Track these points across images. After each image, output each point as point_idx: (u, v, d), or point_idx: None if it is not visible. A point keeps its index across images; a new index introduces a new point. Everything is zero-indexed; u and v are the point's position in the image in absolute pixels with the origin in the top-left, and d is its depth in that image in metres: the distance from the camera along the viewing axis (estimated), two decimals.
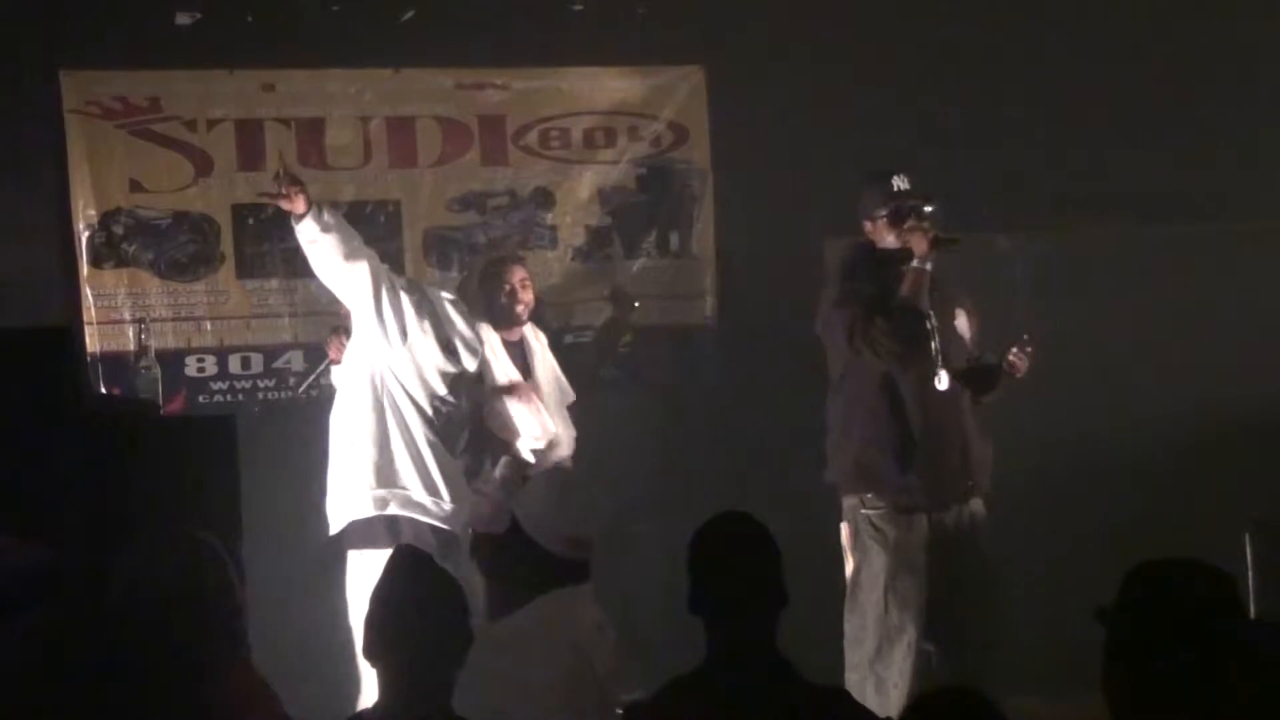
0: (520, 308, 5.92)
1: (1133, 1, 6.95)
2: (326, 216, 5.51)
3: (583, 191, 6.96)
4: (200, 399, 6.48)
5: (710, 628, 3.52)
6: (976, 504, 5.33)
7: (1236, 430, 6.38)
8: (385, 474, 5.52)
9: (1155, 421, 6.37)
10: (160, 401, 5.55)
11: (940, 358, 5.18)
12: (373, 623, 3.53)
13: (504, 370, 5.91)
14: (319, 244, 5.50)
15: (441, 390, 5.62)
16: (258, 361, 6.56)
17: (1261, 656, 2.82)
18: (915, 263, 5.16)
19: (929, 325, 5.16)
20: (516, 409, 5.88)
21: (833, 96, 6.70)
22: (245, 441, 4.42)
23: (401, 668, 3.46)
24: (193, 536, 3.56)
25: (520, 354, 5.97)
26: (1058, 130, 6.88)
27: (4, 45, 6.14)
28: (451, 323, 5.66)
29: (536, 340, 6.04)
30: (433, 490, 5.53)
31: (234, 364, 6.53)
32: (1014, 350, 5.22)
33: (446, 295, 5.78)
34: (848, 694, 3.66)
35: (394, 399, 5.55)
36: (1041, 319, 6.37)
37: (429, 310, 5.63)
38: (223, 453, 4.32)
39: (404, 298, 5.58)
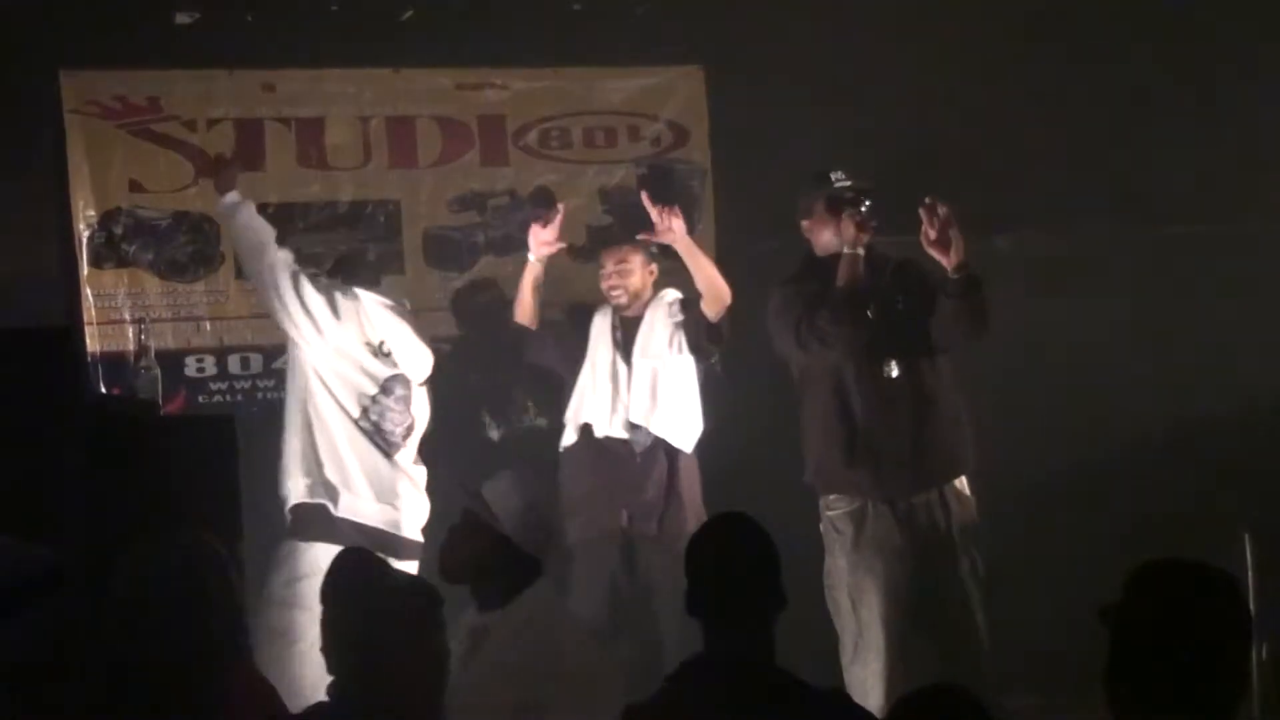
0: (614, 292, 6.00)
1: (1133, 1, 6.94)
2: (244, 207, 5.74)
3: (583, 192, 6.96)
4: (200, 399, 6.47)
5: (708, 629, 3.52)
6: (953, 490, 5.28)
7: (1236, 430, 6.38)
8: (309, 463, 5.65)
9: (1155, 421, 6.37)
10: (160, 401, 5.55)
11: (889, 346, 5.20)
12: (323, 624, 3.54)
13: (595, 347, 5.98)
14: (229, 222, 5.81)
15: (371, 390, 5.68)
16: (257, 361, 6.55)
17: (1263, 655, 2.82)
18: (847, 249, 5.20)
19: (871, 313, 5.19)
20: (581, 385, 5.95)
21: (833, 96, 6.70)
22: (245, 441, 4.42)
23: (353, 669, 3.45)
24: (193, 536, 3.56)
25: (621, 331, 6.01)
26: (1057, 130, 6.87)
27: (4, 45, 6.14)
28: (375, 326, 5.76)
29: (645, 319, 6.01)
30: (351, 486, 5.61)
31: (233, 364, 6.52)
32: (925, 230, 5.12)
33: (379, 299, 5.85)
34: (846, 695, 3.66)
35: (317, 394, 5.63)
36: (1041, 319, 6.38)
37: (352, 311, 5.73)
38: (223, 453, 4.32)
39: (314, 295, 5.69)
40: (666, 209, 5.86)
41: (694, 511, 5.89)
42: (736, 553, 3.55)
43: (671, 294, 6.08)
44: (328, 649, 3.53)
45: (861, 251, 5.21)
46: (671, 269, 6.13)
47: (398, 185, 6.78)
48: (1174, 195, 6.84)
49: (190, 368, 6.48)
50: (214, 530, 3.68)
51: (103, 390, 6.09)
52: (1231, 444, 6.39)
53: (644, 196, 6.04)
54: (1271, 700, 2.79)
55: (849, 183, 5.32)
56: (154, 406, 5.11)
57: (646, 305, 6.02)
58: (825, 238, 5.34)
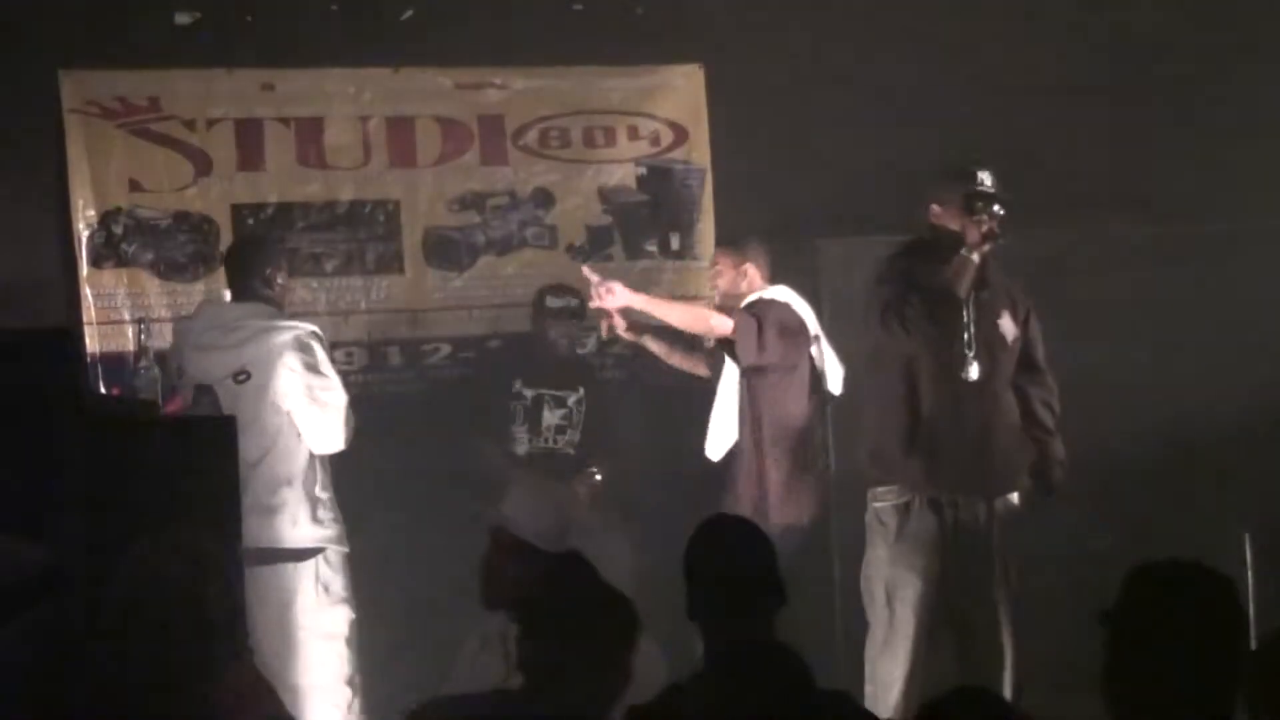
0: (712, 290, 6.16)
1: (1133, 1, 6.95)
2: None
3: (583, 191, 6.96)
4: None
5: (707, 630, 3.52)
6: (1006, 502, 5.27)
7: (1236, 431, 6.37)
8: None
9: (1155, 422, 6.37)
10: (160, 401, 5.55)
11: (974, 349, 5.18)
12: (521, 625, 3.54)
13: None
14: None
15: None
16: None
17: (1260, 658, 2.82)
18: (964, 251, 5.18)
19: (965, 315, 5.18)
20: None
21: (832, 96, 6.70)
22: None
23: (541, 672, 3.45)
24: (192, 537, 3.56)
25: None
26: (1058, 130, 6.87)
27: (4, 45, 6.14)
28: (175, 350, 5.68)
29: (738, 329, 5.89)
30: None
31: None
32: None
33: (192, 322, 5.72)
34: (848, 695, 3.65)
35: None
36: (1040, 319, 6.37)
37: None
38: (223, 453, 4.32)
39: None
40: (602, 283, 5.82)
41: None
42: (733, 553, 3.54)
43: (756, 296, 5.94)
44: (522, 648, 3.51)
45: (977, 258, 5.17)
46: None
47: (397, 185, 6.77)
48: (1174, 195, 6.83)
49: None
50: (214, 530, 3.68)
51: (103, 390, 6.09)
52: (1231, 444, 6.39)
53: (585, 270, 5.99)
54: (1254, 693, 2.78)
55: (991, 187, 5.24)
56: (154, 406, 5.11)
57: None
58: (951, 229, 5.26)
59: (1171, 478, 6.38)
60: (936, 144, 6.49)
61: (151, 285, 6.45)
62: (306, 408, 5.49)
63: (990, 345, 5.24)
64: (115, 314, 6.39)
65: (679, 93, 7.04)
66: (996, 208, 5.18)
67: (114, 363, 6.29)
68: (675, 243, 7.04)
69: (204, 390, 5.47)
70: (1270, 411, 6.33)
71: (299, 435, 5.50)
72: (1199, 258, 6.68)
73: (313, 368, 5.51)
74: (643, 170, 7.02)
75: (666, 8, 6.81)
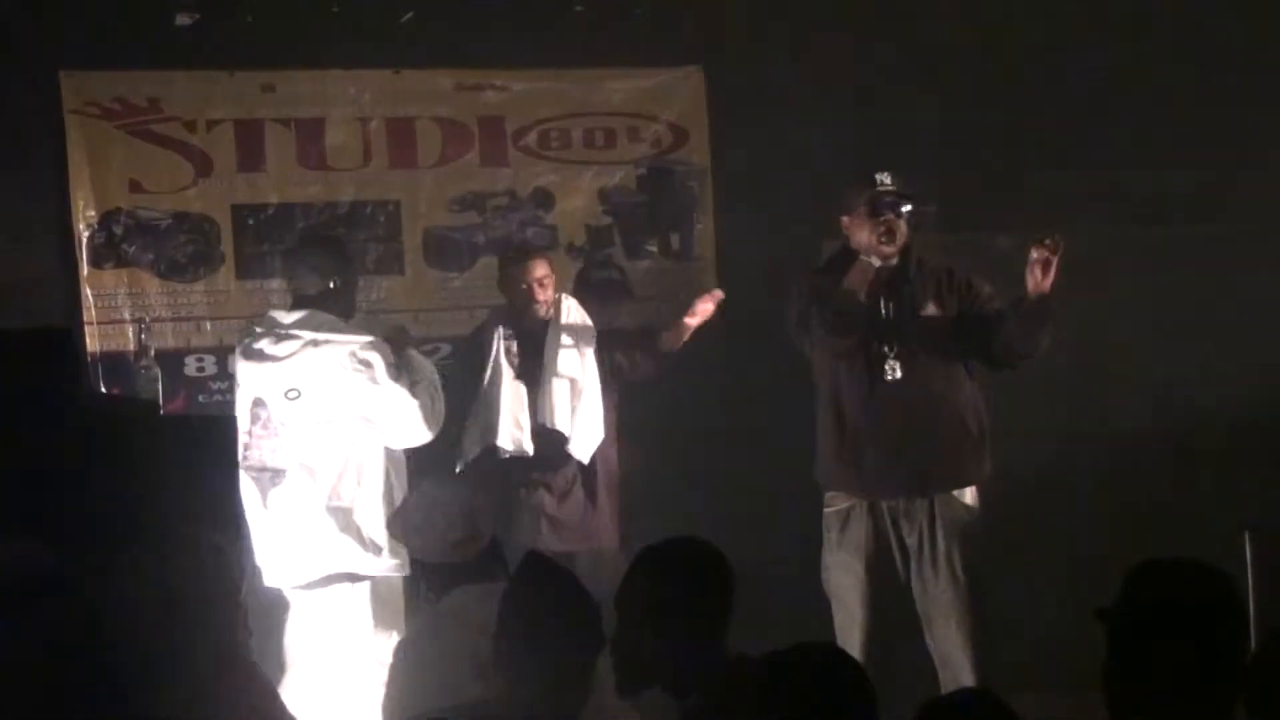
0: (538, 306, 5.98)
1: (1133, 0, 6.95)
2: None
3: (583, 192, 6.96)
4: (200, 399, 6.48)
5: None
6: (946, 499, 5.26)
7: (1236, 432, 6.37)
8: None
9: (1155, 422, 6.37)
10: (160, 401, 5.55)
11: (893, 349, 5.17)
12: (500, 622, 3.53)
13: (507, 363, 5.94)
14: None
15: (246, 426, 5.46)
16: None
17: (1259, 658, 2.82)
18: (863, 256, 5.17)
19: (883, 315, 5.17)
20: (501, 405, 5.89)
21: (833, 97, 6.70)
22: None
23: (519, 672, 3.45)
24: (193, 536, 3.57)
25: (539, 345, 5.96)
26: (1058, 130, 6.87)
27: (4, 45, 6.14)
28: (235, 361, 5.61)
29: (565, 332, 5.94)
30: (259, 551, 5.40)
31: (234, 364, 6.52)
32: (1033, 254, 5.06)
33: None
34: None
35: None
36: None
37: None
38: (223, 453, 4.31)
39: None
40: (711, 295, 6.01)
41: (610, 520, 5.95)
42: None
43: (574, 301, 6.07)
44: (499, 648, 3.51)
45: (877, 262, 5.16)
46: None
47: (398, 186, 6.78)
48: (1174, 195, 6.84)
49: (190, 368, 6.48)
50: (214, 530, 3.68)
51: (103, 390, 6.09)
52: (1231, 444, 6.39)
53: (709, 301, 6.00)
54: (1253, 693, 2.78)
55: (893, 187, 5.21)
56: (154, 406, 5.11)
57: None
58: (861, 237, 5.25)
59: (1171, 478, 6.38)
60: (937, 142, 6.50)
61: (151, 285, 6.46)
62: (369, 425, 5.40)
63: (913, 341, 5.23)
64: (115, 314, 6.39)
65: (679, 94, 7.05)
66: (904, 207, 5.17)
67: (114, 363, 6.29)
68: (675, 243, 7.05)
69: (260, 404, 5.40)
70: (1270, 411, 6.33)
71: (369, 451, 5.41)
72: (1199, 258, 6.68)
73: (370, 382, 5.38)
74: (643, 171, 7.03)
75: (666, 8, 6.81)
